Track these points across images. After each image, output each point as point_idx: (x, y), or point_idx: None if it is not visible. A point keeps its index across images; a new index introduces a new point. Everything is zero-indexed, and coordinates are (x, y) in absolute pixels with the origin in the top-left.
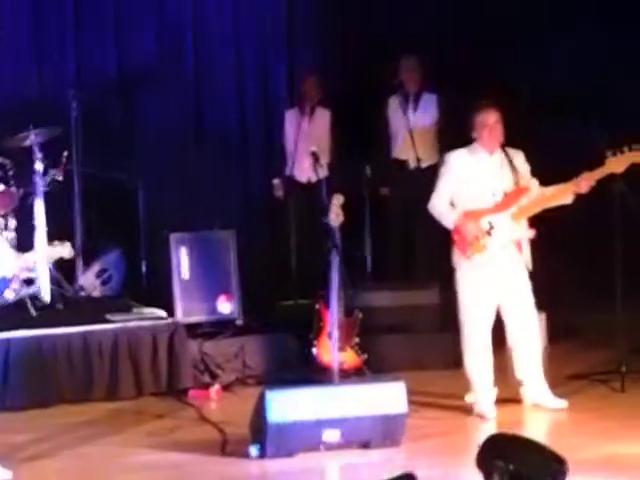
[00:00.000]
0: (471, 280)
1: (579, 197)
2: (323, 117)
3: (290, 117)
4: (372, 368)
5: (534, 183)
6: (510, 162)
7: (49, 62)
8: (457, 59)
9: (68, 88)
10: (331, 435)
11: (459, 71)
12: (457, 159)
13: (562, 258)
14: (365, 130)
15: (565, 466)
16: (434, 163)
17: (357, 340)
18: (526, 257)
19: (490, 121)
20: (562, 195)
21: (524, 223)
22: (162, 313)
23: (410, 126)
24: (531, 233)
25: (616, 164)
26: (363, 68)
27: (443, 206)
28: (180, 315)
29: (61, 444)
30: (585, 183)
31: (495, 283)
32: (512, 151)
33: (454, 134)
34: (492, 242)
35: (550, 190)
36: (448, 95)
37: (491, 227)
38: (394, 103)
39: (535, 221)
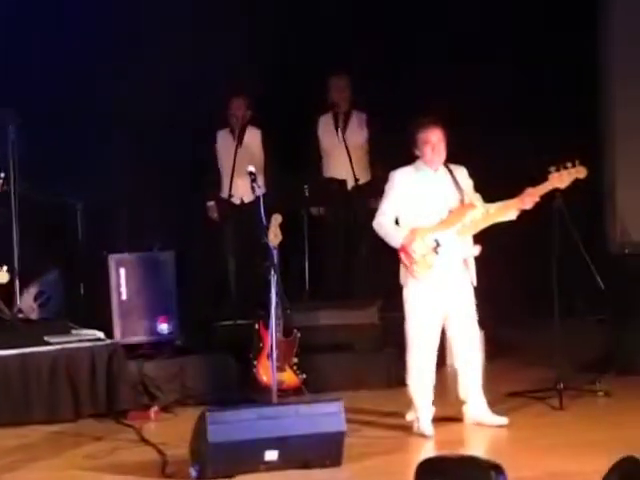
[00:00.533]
0: (418, 297)
1: (523, 213)
2: (254, 136)
3: (222, 138)
4: (312, 388)
5: (477, 198)
6: (454, 179)
7: None
8: (388, 77)
9: (5, 111)
10: (271, 455)
11: (390, 89)
12: (402, 177)
13: (500, 275)
14: (300, 149)
15: (503, 472)
16: (367, 181)
17: (296, 360)
18: (472, 274)
19: (433, 139)
20: (506, 211)
21: (469, 240)
22: (100, 335)
23: (341, 145)
24: (477, 250)
25: (559, 180)
26: (298, 87)
27: (389, 225)
28: (119, 336)
29: None
30: (529, 199)
31: (442, 300)
32: (455, 167)
33: (386, 152)
34: (439, 260)
35: (494, 206)
36: (379, 113)
37: (437, 245)
38: (323, 122)
39: (479, 238)
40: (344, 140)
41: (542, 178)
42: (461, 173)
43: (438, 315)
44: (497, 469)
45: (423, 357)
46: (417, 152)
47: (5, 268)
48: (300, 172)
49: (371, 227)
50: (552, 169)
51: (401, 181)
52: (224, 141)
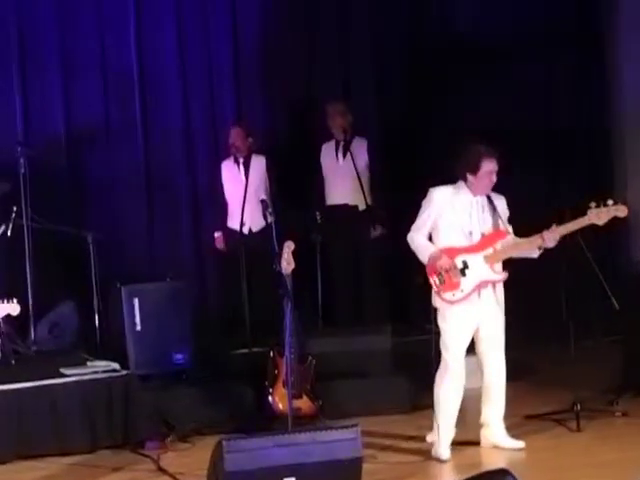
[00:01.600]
0: (450, 320)
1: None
2: (259, 164)
3: (227, 168)
4: (328, 414)
5: (508, 229)
6: (492, 206)
7: None
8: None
9: (15, 144)
10: None
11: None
12: (439, 195)
13: (515, 297)
14: (304, 177)
15: (511, 474)
16: (371, 206)
17: (312, 387)
18: (500, 299)
19: (495, 171)
20: (527, 247)
21: (500, 265)
22: (116, 366)
23: (342, 170)
24: (504, 275)
25: (597, 216)
26: (304, 116)
27: (421, 239)
28: (134, 367)
29: None
30: (550, 236)
31: (472, 323)
32: (495, 195)
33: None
34: (465, 281)
35: (520, 240)
36: (379, 140)
37: (465, 266)
38: (325, 150)
39: (507, 264)
40: (353, 164)
41: (580, 212)
42: (500, 202)
43: (468, 337)
44: (504, 473)
45: (452, 379)
46: (470, 177)
47: (15, 300)
48: (305, 199)
49: (378, 253)
50: (592, 204)
51: (438, 199)
52: (229, 172)
